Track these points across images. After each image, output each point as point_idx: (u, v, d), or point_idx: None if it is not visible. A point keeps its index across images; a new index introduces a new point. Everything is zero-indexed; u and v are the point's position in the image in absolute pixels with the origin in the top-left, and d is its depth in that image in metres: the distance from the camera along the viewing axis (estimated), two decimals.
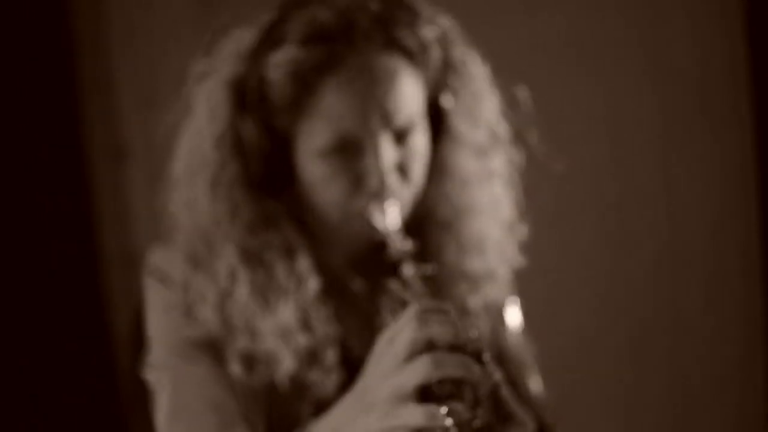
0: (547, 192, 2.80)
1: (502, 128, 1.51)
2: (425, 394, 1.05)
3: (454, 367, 1.03)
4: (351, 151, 1.32)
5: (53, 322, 3.08)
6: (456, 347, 1.06)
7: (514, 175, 1.54)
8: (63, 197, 3.18)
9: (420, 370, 1.03)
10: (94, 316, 3.24)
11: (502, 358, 1.54)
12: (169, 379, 1.38)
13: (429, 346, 1.06)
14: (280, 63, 1.30)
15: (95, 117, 3.27)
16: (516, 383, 1.52)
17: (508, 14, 2.87)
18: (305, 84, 1.30)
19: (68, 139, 3.22)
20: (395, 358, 1.05)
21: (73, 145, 3.23)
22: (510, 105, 1.51)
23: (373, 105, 1.29)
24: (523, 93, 1.49)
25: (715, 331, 2.84)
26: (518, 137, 1.52)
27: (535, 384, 1.54)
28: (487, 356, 1.07)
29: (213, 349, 1.38)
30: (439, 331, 1.05)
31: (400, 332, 1.06)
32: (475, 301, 1.51)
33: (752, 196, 2.79)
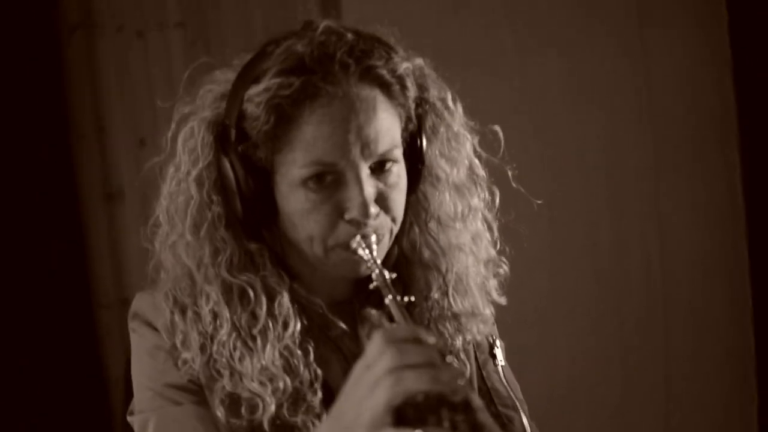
0: (543, 232, 2.87)
1: (479, 167, 1.51)
2: (402, 418, 1.04)
3: (415, 381, 1.03)
4: (331, 181, 1.31)
5: (48, 362, 3.07)
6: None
7: (493, 214, 1.53)
8: (57, 238, 3.18)
9: (384, 390, 1.03)
10: (89, 358, 3.24)
11: (490, 396, 1.54)
12: (154, 422, 1.37)
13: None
14: (258, 94, 1.29)
15: (88, 159, 3.27)
16: (504, 420, 1.53)
17: (506, 57, 2.91)
18: (283, 115, 1.29)
19: (62, 181, 3.22)
20: (371, 384, 1.05)
21: (67, 186, 3.23)
22: (485, 144, 1.51)
23: (352, 133, 1.28)
24: (497, 132, 1.49)
25: (703, 370, 2.89)
26: (495, 176, 1.52)
27: (524, 421, 1.55)
28: (463, 378, 1.06)
29: (197, 392, 1.37)
30: (412, 358, 1.04)
31: (378, 359, 1.06)
32: (461, 339, 1.51)
33: (740, 234, 2.83)
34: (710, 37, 2.86)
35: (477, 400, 1.09)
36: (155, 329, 1.42)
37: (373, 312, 1.33)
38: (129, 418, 1.45)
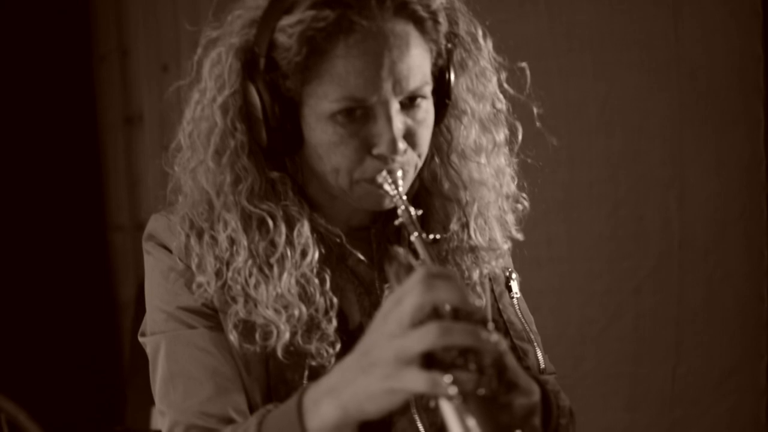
0: (561, 182, 2.88)
1: (504, 103, 1.52)
2: (429, 359, 1.03)
3: (461, 335, 1.02)
4: (360, 116, 1.31)
5: (59, 282, 3.08)
6: (462, 314, 1.05)
7: (515, 150, 1.55)
8: (74, 158, 3.18)
9: (427, 337, 1.02)
10: (101, 280, 3.25)
11: (506, 328, 1.56)
12: (166, 344, 1.38)
13: (435, 312, 1.05)
14: (291, 26, 1.28)
15: (109, 81, 3.26)
16: (519, 353, 1.55)
17: (531, 5, 2.90)
18: (316, 47, 1.28)
19: (82, 102, 3.21)
20: (401, 320, 1.04)
21: (86, 108, 3.22)
22: (512, 81, 1.51)
23: (384, 69, 1.28)
24: (524, 69, 1.50)
25: (716, 328, 2.90)
26: (520, 113, 1.52)
27: (538, 354, 1.56)
28: (491, 325, 1.05)
29: (211, 316, 1.38)
30: (445, 296, 1.04)
31: (407, 294, 1.05)
32: (478, 273, 1.52)
33: (761, 188, 2.84)
34: None
35: (503, 344, 1.07)
36: (170, 251, 1.42)
37: (401, 250, 1.33)
38: (141, 339, 1.46)
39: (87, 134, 3.24)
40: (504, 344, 1.07)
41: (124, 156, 3.26)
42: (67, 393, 3.03)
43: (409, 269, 1.25)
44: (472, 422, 0.99)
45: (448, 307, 1.06)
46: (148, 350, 1.43)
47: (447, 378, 0.99)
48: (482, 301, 1.10)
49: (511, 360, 1.12)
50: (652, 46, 2.88)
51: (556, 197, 2.89)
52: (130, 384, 3.06)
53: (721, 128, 2.86)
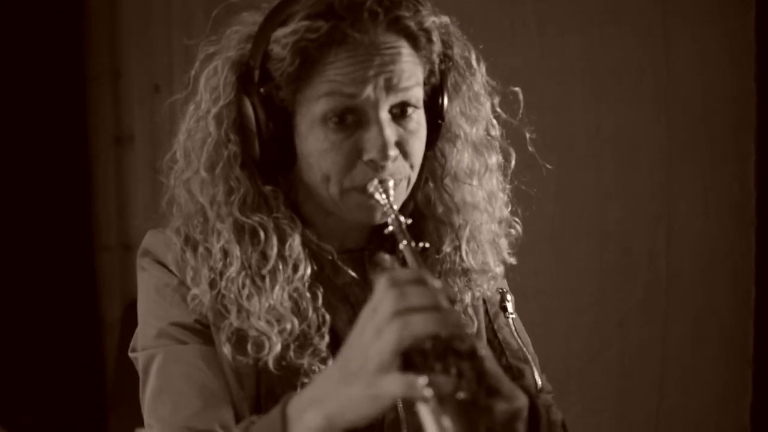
0: (549, 213, 2.87)
1: (497, 127, 1.52)
2: (409, 366, 1.03)
3: (422, 324, 1.02)
4: (352, 121, 1.31)
5: (45, 300, 3.07)
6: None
7: (507, 175, 1.55)
8: (64, 177, 3.18)
9: (391, 335, 1.02)
10: (87, 300, 3.24)
11: (501, 349, 1.55)
12: (158, 359, 1.38)
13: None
14: (285, 36, 1.29)
15: (101, 100, 3.26)
16: (515, 373, 1.54)
17: (528, 31, 2.91)
18: (308, 58, 1.29)
19: (73, 121, 3.21)
20: (377, 329, 1.04)
21: (77, 127, 3.22)
22: (505, 105, 1.52)
23: (374, 68, 1.29)
24: (517, 94, 1.50)
25: (701, 364, 2.89)
26: (513, 138, 1.53)
27: (535, 374, 1.55)
28: (471, 328, 1.06)
29: (203, 333, 1.38)
30: (417, 301, 1.03)
31: (380, 303, 1.05)
32: (471, 295, 1.51)
33: (750, 222, 2.83)
34: (733, 27, 2.85)
35: (483, 350, 1.08)
36: (165, 267, 1.42)
37: (386, 257, 1.34)
38: (131, 355, 1.46)
39: (77, 154, 3.24)
40: (485, 350, 1.08)
41: (114, 176, 3.26)
42: (50, 412, 3.03)
43: None
44: (447, 423, 0.98)
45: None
46: (140, 365, 1.42)
47: (422, 380, 0.99)
48: (459, 303, 1.10)
49: (492, 365, 1.11)
50: (642, 79, 2.89)
51: (543, 228, 2.87)
52: (113, 410, 3.05)
53: (711, 162, 2.86)
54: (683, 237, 2.87)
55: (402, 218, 1.29)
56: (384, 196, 1.33)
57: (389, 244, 1.37)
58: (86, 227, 3.27)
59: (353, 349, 1.08)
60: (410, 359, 1.04)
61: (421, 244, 1.26)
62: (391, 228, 1.29)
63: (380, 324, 1.04)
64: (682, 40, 2.85)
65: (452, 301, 1.08)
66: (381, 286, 1.07)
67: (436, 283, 1.08)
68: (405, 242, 1.25)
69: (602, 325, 2.92)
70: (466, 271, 1.50)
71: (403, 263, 1.28)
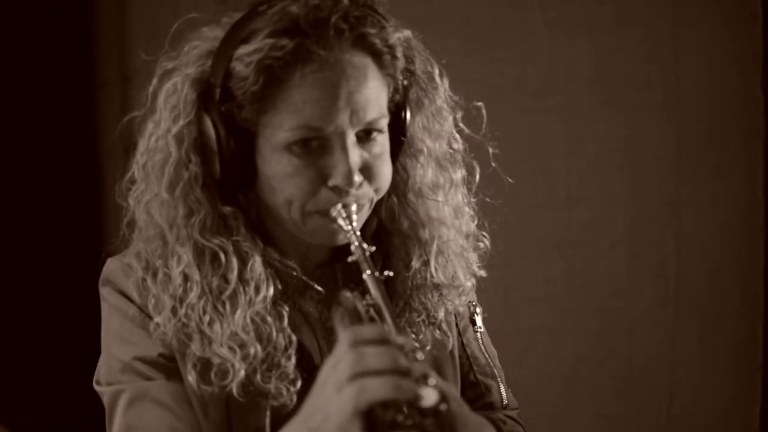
0: (558, 220, 2.87)
1: (460, 142, 1.51)
2: (371, 418, 1.04)
3: (377, 389, 1.02)
4: (316, 147, 1.30)
5: (48, 304, 3.07)
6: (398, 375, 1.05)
7: (473, 188, 1.54)
8: (74, 187, 3.17)
9: (348, 397, 1.03)
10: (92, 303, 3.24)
11: (470, 363, 1.56)
12: (124, 397, 1.36)
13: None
14: (248, 54, 1.27)
15: (110, 109, 3.26)
16: (483, 389, 1.56)
17: (537, 38, 2.91)
18: (273, 77, 1.27)
19: (82, 129, 3.21)
20: (338, 386, 1.05)
21: (86, 135, 3.22)
22: (468, 120, 1.52)
23: (341, 99, 1.27)
24: (480, 109, 1.50)
25: (710, 370, 2.89)
26: (476, 152, 1.52)
27: (501, 389, 1.56)
28: (432, 380, 1.05)
29: (167, 368, 1.36)
30: (375, 363, 1.04)
31: (339, 362, 1.06)
32: (443, 311, 1.51)
33: (759, 228, 2.84)
34: (742, 35, 2.86)
35: (450, 390, 1.09)
36: (125, 296, 1.40)
37: (348, 295, 1.32)
38: (96, 387, 1.44)
39: (86, 160, 3.23)
40: (451, 391, 1.11)
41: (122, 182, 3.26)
42: (50, 412, 3.01)
43: (354, 314, 1.26)
44: None
45: None
46: (105, 400, 1.40)
47: None
48: (421, 353, 1.11)
49: (457, 406, 1.12)
50: (651, 86, 2.89)
51: (552, 235, 2.88)
52: None
53: (719, 169, 2.87)
54: (692, 244, 2.87)
55: (365, 245, 1.29)
56: (347, 221, 1.32)
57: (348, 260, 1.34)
58: (95, 234, 3.26)
59: (314, 405, 1.09)
60: (372, 413, 1.05)
61: (385, 273, 1.27)
62: (355, 257, 1.29)
63: (340, 383, 1.05)
64: (690, 48, 2.85)
65: (414, 353, 1.09)
66: (341, 343, 1.08)
67: (399, 339, 1.09)
68: (369, 272, 1.25)
69: (611, 331, 2.92)
70: (437, 286, 1.49)
71: (367, 292, 1.27)
